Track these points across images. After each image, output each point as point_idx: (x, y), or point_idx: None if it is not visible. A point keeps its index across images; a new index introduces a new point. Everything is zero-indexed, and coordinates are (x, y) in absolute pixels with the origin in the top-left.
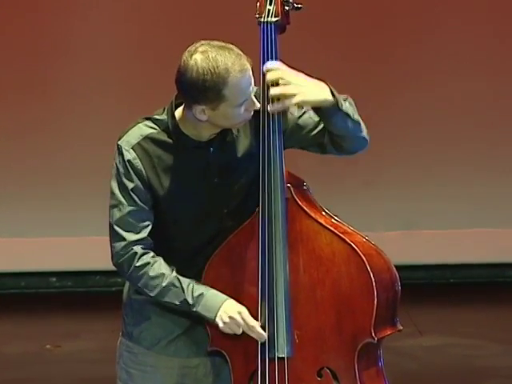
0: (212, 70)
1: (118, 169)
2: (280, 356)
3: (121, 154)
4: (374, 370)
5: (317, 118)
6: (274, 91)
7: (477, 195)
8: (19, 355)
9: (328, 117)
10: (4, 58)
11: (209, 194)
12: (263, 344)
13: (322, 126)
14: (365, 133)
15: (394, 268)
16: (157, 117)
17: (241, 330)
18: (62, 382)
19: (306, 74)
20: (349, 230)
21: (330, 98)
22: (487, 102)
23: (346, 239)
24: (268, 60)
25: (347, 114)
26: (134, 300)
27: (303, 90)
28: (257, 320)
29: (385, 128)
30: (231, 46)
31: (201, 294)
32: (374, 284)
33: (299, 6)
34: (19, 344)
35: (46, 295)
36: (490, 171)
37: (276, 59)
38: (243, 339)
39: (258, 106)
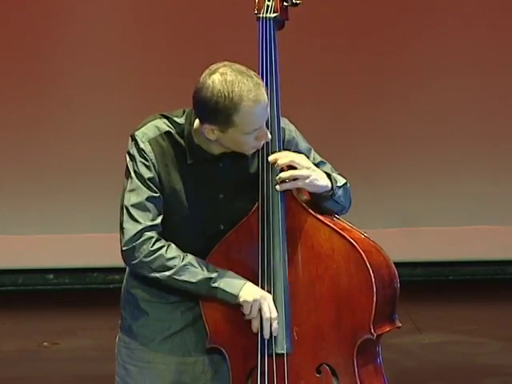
0: (226, 94)
1: (134, 157)
2: (279, 352)
3: (137, 144)
4: (373, 366)
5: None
6: (286, 174)
7: (476, 192)
8: (16, 352)
9: (320, 201)
10: (2, 55)
11: (210, 209)
12: (262, 340)
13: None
14: (348, 201)
15: (393, 265)
16: (176, 119)
17: (256, 315)
18: (59, 380)
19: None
20: (347, 227)
21: (330, 185)
22: (488, 99)
23: (345, 235)
24: (267, 56)
25: (337, 202)
26: (132, 294)
27: (314, 174)
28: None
29: (384, 125)
30: (252, 73)
31: (222, 271)
32: (373, 280)
33: (298, 1)
34: (16, 341)
35: (44, 292)
36: (490, 168)
37: (275, 55)
38: (242, 336)
39: (270, 137)
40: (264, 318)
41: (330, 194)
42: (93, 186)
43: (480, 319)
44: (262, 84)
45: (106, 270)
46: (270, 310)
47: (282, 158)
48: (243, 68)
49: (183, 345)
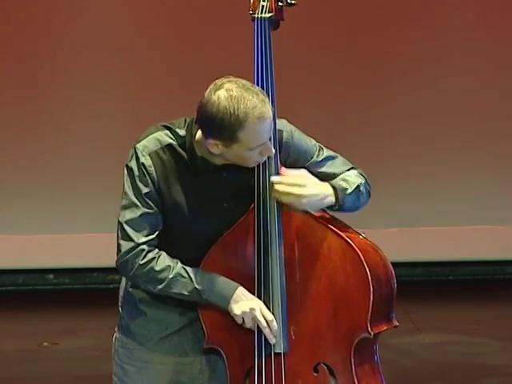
0: (231, 111)
1: (132, 171)
2: (276, 352)
3: (137, 157)
4: (370, 365)
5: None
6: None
7: (476, 192)
8: (16, 352)
9: (330, 210)
10: (2, 55)
11: (213, 218)
12: (260, 340)
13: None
14: (365, 199)
15: (391, 265)
16: (177, 130)
17: (252, 324)
18: (59, 380)
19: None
20: (344, 227)
21: (334, 200)
22: (488, 99)
23: (342, 235)
24: (262, 56)
25: (347, 209)
26: (131, 294)
27: (313, 198)
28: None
29: (384, 125)
30: (257, 89)
31: (211, 281)
32: (369, 279)
33: (293, 2)
34: (16, 341)
35: (44, 292)
36: (490, 168)
37: (270, 55)
38: (239, 336)
39: (273, 152)
40: (261, 327)
41: (338, 206)
42: (93, 186)
43: (480, 319)
44: (267, 100)
45: (106, 270)
46: (264, 316)
47: (279, 195)
48: (248, 84)
49: (180, 345)
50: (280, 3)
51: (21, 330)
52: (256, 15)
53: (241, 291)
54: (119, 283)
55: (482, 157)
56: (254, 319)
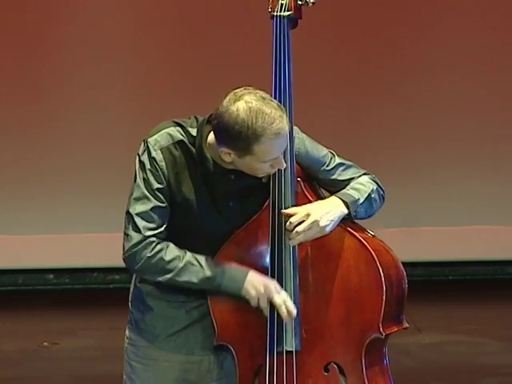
0: (249, 124)
1: (144, 164)
2: (288, 350)
3: (149, 151)
4: (380, 366)
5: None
6: (295, 239)
7: (476, 192)
8: (16, 352)
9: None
10: (2, 55)
11: (220, 216)
12: (271, 337)
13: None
14: (379, 204)
15: (402, 265)
16: (189, 130)
17: (266, 305)
18: (59, 380)
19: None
20: (357, 226)
21: (346, 211)
22: (488, 99)
23: (356, 234)
24: (281, 54)
25: (363, 217)
26: (139, 289)
27: (322, 221)
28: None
29: (385, 125)
30: (276, 103)
31: (223, 267)
32: (383, 279)
33: (312, 0)
34: (16, 341)
35: (44, 292)
36: (490, 168)
37: (289, 53)
38: (250, 334)
39: (284, 165)
40: (276, 306)
41: (351, 216)
42: (93, 186)
43: (480, 319)
44: (285, 115)
45: (106, 270)
46: (279, 295)
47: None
48: (268, 96)
49: (186, 343)
50: (299, 2)
51: (21, 330)
52: (275, 13)
53: (253, 273)
54: (119, 283)
55: (482, 157)
56: (269, 298)
